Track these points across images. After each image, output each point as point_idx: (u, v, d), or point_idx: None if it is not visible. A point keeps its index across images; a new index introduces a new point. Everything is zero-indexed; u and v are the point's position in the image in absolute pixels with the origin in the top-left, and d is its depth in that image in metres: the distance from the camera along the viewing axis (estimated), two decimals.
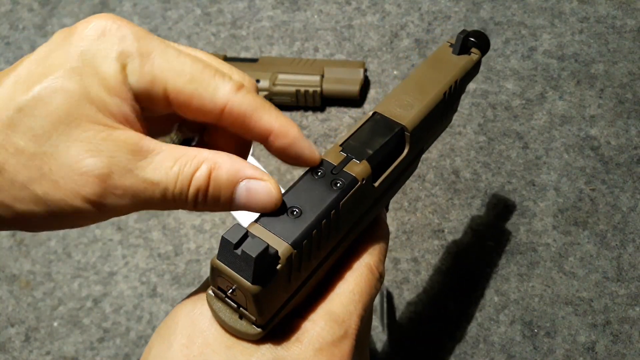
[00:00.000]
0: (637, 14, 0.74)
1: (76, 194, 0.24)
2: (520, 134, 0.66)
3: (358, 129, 0.31)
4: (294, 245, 0.25)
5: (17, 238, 0.62)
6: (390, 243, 0.60)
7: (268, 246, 0.24)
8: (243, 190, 0.26)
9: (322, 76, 0.67)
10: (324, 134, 0.67)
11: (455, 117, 0.67)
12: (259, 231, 0.25)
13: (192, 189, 0.25)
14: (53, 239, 0.62)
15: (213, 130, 0.30)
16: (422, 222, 0.61)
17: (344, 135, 0.31)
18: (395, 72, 0.71)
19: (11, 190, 0.24)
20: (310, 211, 0.26)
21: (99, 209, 0.24)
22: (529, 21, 0.74)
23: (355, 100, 0.68)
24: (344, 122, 0.68)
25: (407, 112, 0.32)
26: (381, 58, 0.72)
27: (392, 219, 0.61)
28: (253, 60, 0.68)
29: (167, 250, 0.61)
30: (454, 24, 0.74)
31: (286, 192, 0.27)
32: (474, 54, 0.37)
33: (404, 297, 0.58)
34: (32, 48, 0.75)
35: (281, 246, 0.25)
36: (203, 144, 0.30)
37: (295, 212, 0.26)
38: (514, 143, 0.65)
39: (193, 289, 0.59)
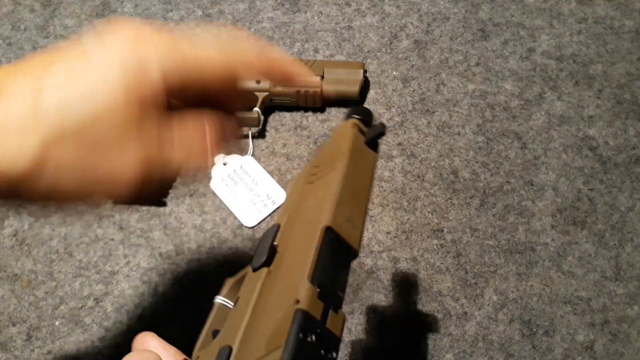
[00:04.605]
0: (635, 14, 0.74)
1: (126, 167, 0.28)
2: (519, 134, 0.66)
3: (320, 252, 0.27)
4: None
5: (18, 237, 0.63)
6: (390, 242, 0.61)
7: None
8: None
9: (322, 77, 0.67)
10: (324, 134, 0.67)
11: (454, 117, 0.68)
12: None
13: None
14: (55, 238, 0.63)
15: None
16: (421, 222, 0.62)
17: (307, 262, 0.26)
18: (394, 73, 0.71)
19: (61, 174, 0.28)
20: None
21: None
22: (527, 22, 0.74)
23: (355, 101, 0.69)
24: None
25: (353, 229, 0.29)
26: (381, 59, 0.72)
27: (392, 219, 0.62)
28: None
29: (168, 249, 0.62)
30: (453, 25, 0.74)
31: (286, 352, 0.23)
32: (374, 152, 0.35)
33: (402, 296, 0.58)
34: (34, 49, 0.75)
35: None
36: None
37: None
38: (513, 143, 0.66)
39: (194, 288, 0.59)
